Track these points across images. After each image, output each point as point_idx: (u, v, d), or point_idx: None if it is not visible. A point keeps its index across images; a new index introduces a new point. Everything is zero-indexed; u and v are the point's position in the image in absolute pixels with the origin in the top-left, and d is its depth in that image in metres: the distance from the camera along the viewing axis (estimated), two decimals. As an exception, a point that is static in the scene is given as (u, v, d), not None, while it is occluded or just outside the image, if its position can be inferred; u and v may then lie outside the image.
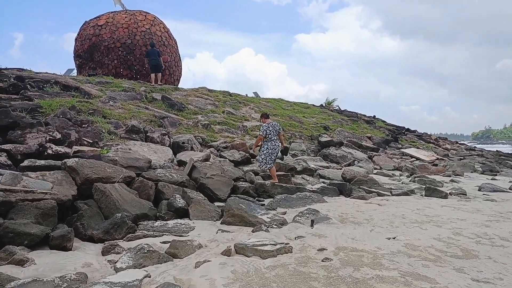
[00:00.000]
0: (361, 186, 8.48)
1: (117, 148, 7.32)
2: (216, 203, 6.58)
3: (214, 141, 10.09)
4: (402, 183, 9.55)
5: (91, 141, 7.67)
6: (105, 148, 7.57)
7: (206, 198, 6.48)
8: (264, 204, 6.74)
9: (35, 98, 9.17)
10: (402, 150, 15.26)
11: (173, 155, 8.53)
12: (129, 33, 17.69)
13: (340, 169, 10.83)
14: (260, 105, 16.84)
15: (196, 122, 11.08)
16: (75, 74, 15.94)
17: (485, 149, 24.25)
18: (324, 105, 24.73)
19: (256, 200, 7.13)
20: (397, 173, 11.37)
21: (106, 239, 4.66)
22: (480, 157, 16.86)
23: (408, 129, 23.92)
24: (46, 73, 11.65)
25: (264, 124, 8.22)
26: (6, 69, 11.61)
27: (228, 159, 8.85)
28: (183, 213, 5.79)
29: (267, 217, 5.59)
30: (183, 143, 9.19)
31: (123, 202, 5.41)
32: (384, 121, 24.79)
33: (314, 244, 4.47)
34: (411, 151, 14.97)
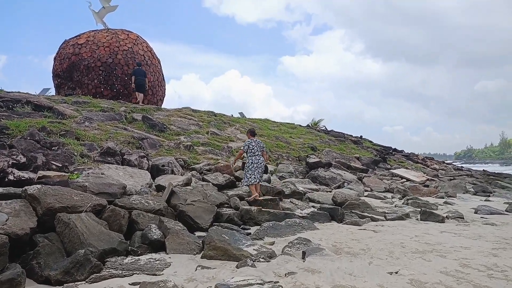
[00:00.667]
0: (353, 211, 7.98)
1: (88, 173, 6.67)
2: (197, 233, 5.95)
3: (197, 163, 9.51)
4: (395, 206, 9.09)
5: (60, 165, 7.00)
6: (75, 172, 6.90)
7: (185, 227, 5.85)
8: (250, 233, 6.14)
9: (2, 118, 8.48)
10: (391, 171, 14.91)
11: (152, 179, 7.91)
12: (110, 52, 17.18)
13: (330, 191, 10.33)
14: (246, 125, 16.37)
15: (178, 143, 10.50)
16: (52, 94, 15.26)
17: (471, 169, 24.23)
18: (310, 125, 24.48)
19: (242, 228, 6.53)
20: (389, 195, 10.93)
21: (65, 281, 4.00)
22: (470, 177, 16.65)
23: (395, 149, 23.77)
24: (18, 92, 11.00)
25: (247, 140, 8.13)
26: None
27: (212, 183, 8.26)
28: (159, 246, 5.15)
29: (254, 249, 4.99)
30: (163, 166, 8.58)
31: (89, 235, 4.75)
32: (371, 141, 24.63)
33: (307, 283, 3.90)
34: (401, 171, 14.64)
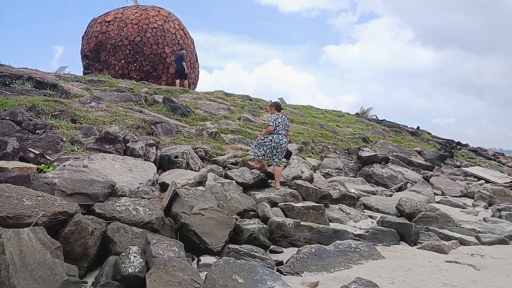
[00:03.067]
0: (430, 227, 5.71)
1: (64, 165, 4.96)
2: (204, 258, 4.04)
3: (221, 155, 7.60)
4: (485, 221, 6.64)
5: (37, 153, 5.36)
6: (54, 164, 5.23)
7: (185, 251, 3.97)
8: (282, 262, 4.13)
9: (-10, 95, 7.04)
10: (463, 169, 12.18)
11: (158, 174, 6.11)
12: (138, 29, 15.70)
13: (391, 195, 8.04)
14: (286, 111, 14.26)
15: (201, 130, 8.65)
16: (68, 72, 14.08)
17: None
18: (359, 114, 21.82)
19: (270, 251, 4.54)
20: (468, 201, 8.42)
21: None
22: None
23: (459, 143, 20.55)
24: (25, 68, 9.73)
25: (273, 115, 6.84)
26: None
27: (236, 181, 6.31)
28: (137, 284, 3.30)
29: (284, 302, 2.98)
30: (176, 157, 6.75)
31: (20, 268, 2.98)
32: (429, 133, 21.53)
33: None
34: (476, 170, 11.88)
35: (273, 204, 5.85)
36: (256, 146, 6.83)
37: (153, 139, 7.02)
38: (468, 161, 14.46)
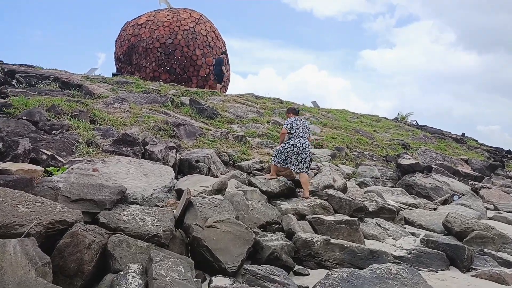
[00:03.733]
0: (485, 249, 4.85)
1: (72, 168, 4.60)
2: (216, 279, 3.50)
3: (246, 160, 7.07)
4: (552, 243, 5.64)
5: (49, 154, 5.06)
6: (66, 165, 4.90)
7: (197, 268, 3.45)
8: (307, 288, 3.52)
9: (14, 95, 6.94)
10: (518, 180, 10.92)
11: (177, 180, 5.67)
12: (170, 32, 15.60)
13: (435, 209, 7.17)
14: (318, 115, 13.56)
15: (226, 133, 8.16)
16: (98, 74, 14.15)
17: None
18: (398, 119, 20.62)
19: (294, 273, 3.92)
20: (527, 218, 7.34)
21: None
22: None
23: (509, 151, 18.85)
24: (54, 69, 9.73)
25: (289, 119, 6.49)
26: (13, 64, 9.81)
27: (260, 189, 5.75)
28: (133, 311, 2.81)
29: None
30: (197, 161, 6.30)
31: (-4, 288, 2.56)
32: (476, 140, 19.95)
33: None
34: (533, 182, 10.59)
35: (301, 216, 5.23)
36: (276, 154, 6.27)
37: (174, 142, 6.61)
38: (522, 172, 13.05)
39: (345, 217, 5.09)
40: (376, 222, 5.74)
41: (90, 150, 5.63)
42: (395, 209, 6.23)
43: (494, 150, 17.20)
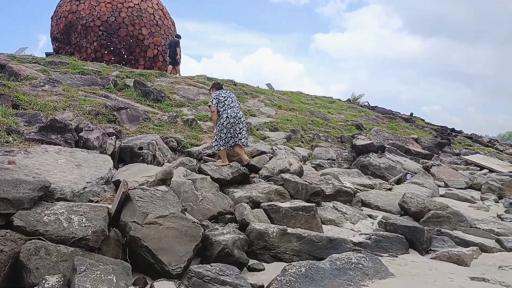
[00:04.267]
0: (442, 229, 4.78)
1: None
2: (159, 284, 3.03)
3: (196, 145, 6.55)
4: (502, 219, 5.76)
5: (-45, 147, 4.23)
6: (-23, 159, 4.11)
7: (137, 272, 2.96)
8: (263, 287, 3.15)
9: None
10: (464, 157, 11.34)
11: (115, 169, 5.05)
12: (112, 9, 14.36)
13: (390, 189, 7.12)
14: (273, 97, 13.22)
15: (174, 116, 7.55)
16: (27, 54, 12.76)
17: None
18: (351, 100, 20.87)
19: (247, 269, 3.55)
20: (476, 194, 7.55)
21: None
22: None
23: (453, 129, 19.80)
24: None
25: (212, 94, 6.14)
26: None
27: (211, 177, 5.29)
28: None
29: None
30: (140, 148, 5.68)
31: None
32: (423, 120, 20.73)
33: None
34: (477, 158, 11.05)
35: (255, 204, 4.86)
36: (216, 137, 5.88)
37: (113, 128, 5.93)
38: (466, 149, 13.67)
39: (302, 203, 4.78)
40: (333, 205, 5.52)
41: (11, 139, 4.84)
42: (351, 191, 6.05)
43: (440, 128, 17.93)
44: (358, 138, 9.55)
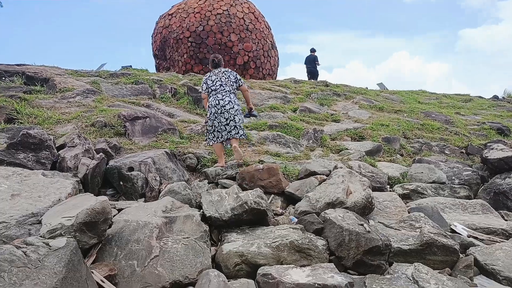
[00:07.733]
0: None
1: None
2: None
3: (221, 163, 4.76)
4: None
5: None
6: None
7: None
8: None
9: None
10: None
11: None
12: (201, 18, 13.83)
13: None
14: (377, 97, 10.47)
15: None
16: (104, 69, 12.94)
17: None
18: (504, 97, 15.91)
19: None
20: None
21: None
22: None
23: None
24: (43, 66, 8.58)
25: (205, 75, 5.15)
26: (6, 65, 8.91)
27: (203, 213, 3.44)
28: None
29: None
30: (131, 169, 4.23)
31: None
32: None
33: None
34: None
35: (252, 267, 2.82)
36: (207, 129, 4.91)
37: (107, 142, 4.62)
38: None
39: (334, 276, 2.51)
40: (412, 274, 3.00)
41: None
42: (456, 248, 3.35)
43: None
44: (493, 148, 6.26)
